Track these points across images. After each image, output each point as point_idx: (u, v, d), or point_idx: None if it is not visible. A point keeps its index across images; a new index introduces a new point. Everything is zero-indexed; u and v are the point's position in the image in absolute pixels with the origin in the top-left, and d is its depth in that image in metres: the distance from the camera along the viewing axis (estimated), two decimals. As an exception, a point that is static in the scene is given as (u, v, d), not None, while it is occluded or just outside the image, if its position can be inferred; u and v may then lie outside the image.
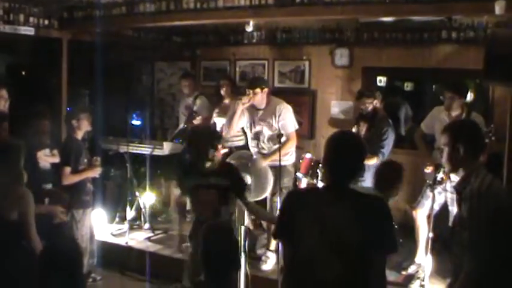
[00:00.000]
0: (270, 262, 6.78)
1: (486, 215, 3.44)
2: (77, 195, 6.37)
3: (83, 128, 6.52)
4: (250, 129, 7.00)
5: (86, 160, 6.53)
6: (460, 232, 3.68)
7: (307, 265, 3.24)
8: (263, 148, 6.88)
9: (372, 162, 6.71)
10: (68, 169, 6.29)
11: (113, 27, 8.49)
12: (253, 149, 6.98)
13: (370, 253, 3.14)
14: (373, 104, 7.17)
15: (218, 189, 5.45)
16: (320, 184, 6.71)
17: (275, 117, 6.71)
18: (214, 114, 8.18)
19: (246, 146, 7.41)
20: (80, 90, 9.49)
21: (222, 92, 8.19)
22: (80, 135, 6.51)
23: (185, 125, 8.84)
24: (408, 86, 12.73)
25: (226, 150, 7.46)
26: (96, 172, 6.63)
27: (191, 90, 9.05)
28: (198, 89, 9.35)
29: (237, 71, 10.06)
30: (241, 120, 6.96)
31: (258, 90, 6.74)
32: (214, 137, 5.96)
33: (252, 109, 6.87)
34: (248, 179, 5.83)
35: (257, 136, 6.93)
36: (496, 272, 3.42)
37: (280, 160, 6.24)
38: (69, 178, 6.31)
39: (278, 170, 6.32)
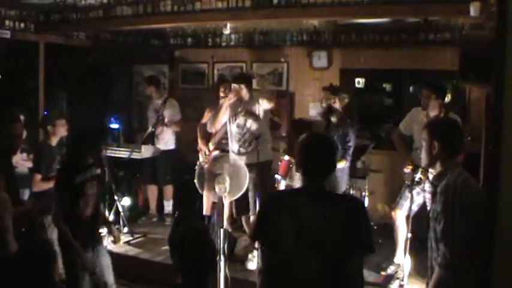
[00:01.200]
0: (256, 261, 6.76)
1: (460, 208, 3.50)
2: (46, 201, 6.21)
3: (59, 133, 6.40)
4: (233, 122, 7.02)
5: (57, 167, 6.38)
6: (434, 226, 3.73)
7: (286, 266, 3.25)
8: (245, 141, 6.92)
9: (341, 165, 6.71)
10: (38, 176, 6.17)
11: (90, 30, 8.45)
12: (233, 144, 7.02)
13: (347, 253, 3.17)
14: (331, 102, 7.09)
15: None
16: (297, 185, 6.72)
17: (259, 105, 6.86)
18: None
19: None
20: (58, 94, 9.41)
21: (222, 95, 8.08)
22: (54, 141, 6.39)
23: (153, 129, 8.83)
24: (387, 87, 12.78)
25: (217, 152, 7.47)
26: None
27: (158, 93, 9.02)
28: (164, 92, 9.34)
29: (215, 74, 10.06)
30: (224, 116, 7.03)
31: (243, 85, 6.81)
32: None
33: (236, 103, 6.91)
34: (227, 180, 5.83)
35: (239, 129, 6.99)
36: (470, 262, 3.47)
37: (258, 159, 6.32)
38: (39, 185, 6.17)
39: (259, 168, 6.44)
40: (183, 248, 3.42)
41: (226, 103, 6.91)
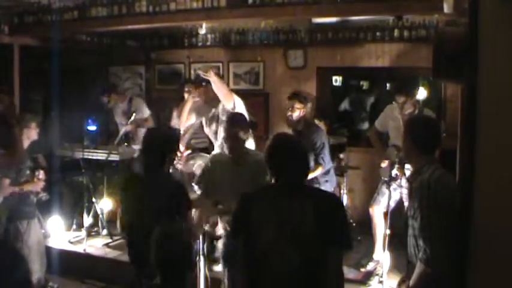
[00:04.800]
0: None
1: (436, 203, 3.55)
2: (19, 206, 6.11)
3: (30, 137, 6.30)
4: (209, 128, 7.00)
5: (28, 172, 6.26)
6: (412, 223, 3.77)
7: (265, 261, 3.27)
8: (222, 146, 6.87)
9: (317, 173, 6.49)
10: (6, 181, 5.96)
11: (65, 32, 8.38)
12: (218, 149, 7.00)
13: (324, 248, 3.19)
14: (300, 112, 6.85)
15: None
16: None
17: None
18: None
19: (207, 149, 7.39)
20: (33, 97, 9.34)
21: (187, 95, 8.07)
22: (25, 144, 6.28)
23: (126, 129, 8.78)
24: (364, 85, 12.87)
25: (189, 151, 7.45)
26: (37, 186, 6.30)
27: (121, 98, 9.05)
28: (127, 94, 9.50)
29: (192, 74, 10.03)
30: (191, 116, 7.07)
31: (209, 86, 6.73)
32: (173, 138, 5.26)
33: (206, 107, 6.88)
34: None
35: (211, 132, 6.97)
36: (449, 257, 3.51)
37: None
38: (7, 190, 5.97)
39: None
40: (160, 248, 3.41)
41: (190, 101, 6.91)
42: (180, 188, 4.65)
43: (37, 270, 6.30)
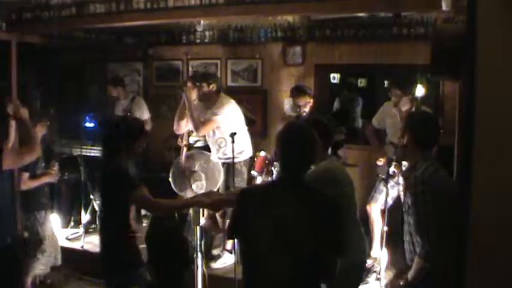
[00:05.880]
0: (219, 261, 6.76)
1: (430, 198, 3.57)
2: (36, 198, 6.32)
3: (41, 132, 6.42)
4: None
5: (43, 164, 6.48)
6: (408, 219, 3.78)
7: (262, 263, 3.25)
8: (218, 147, 6.83)
9: None
10: (26, 174, 6.20)
11: (62, 28, 8.37)
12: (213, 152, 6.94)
13: (319, 250, 3.18)
14: (310, 103, 6.84)
15: None
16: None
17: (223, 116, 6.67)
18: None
19: (205, 147, 7.37)
20: (31, 93, 9.32)
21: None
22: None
23: None
24: (362, 83, 12.89)
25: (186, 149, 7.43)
26: (54, 177, 6.59)
27: (124, 93, 9.04)
28: (131, 91, 9.44)
29: (189, 71, 10.02)
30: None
31: (204, 84, 6.67)
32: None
33: (202, 107, 6.81)
34: (202, 177, 5.82)
35: (211, 137, 6.89)
36: (447, 252, 3.51)
37: (233, 158, 6.26)
38: (27, 183, 6.24)
39: (231, 167, 6.34)
40: (158, 246, 3.41)
41: (184, 98, 6.81)
42: (121, 181, 4.46)
43: (53, 259, 6.55)
